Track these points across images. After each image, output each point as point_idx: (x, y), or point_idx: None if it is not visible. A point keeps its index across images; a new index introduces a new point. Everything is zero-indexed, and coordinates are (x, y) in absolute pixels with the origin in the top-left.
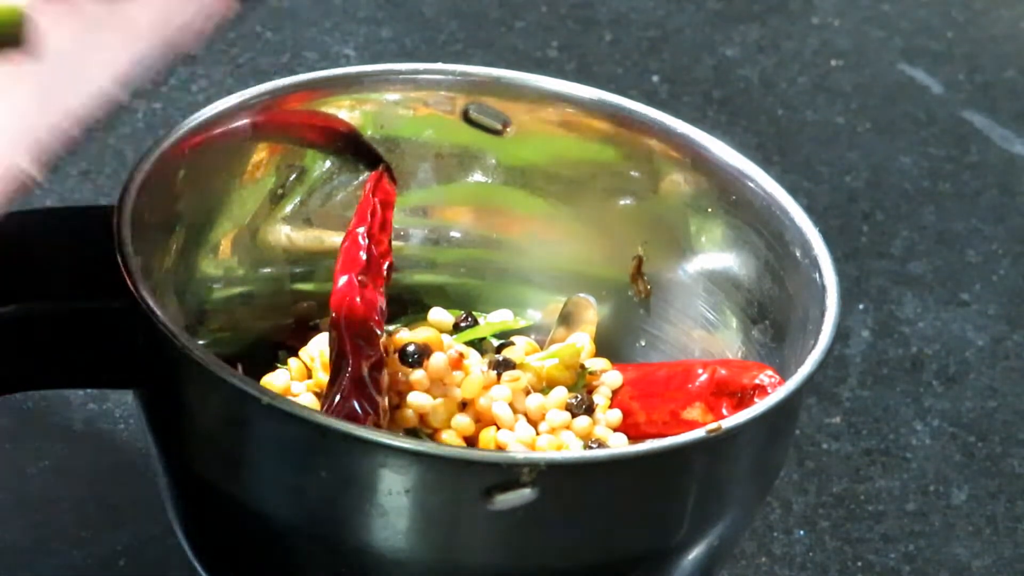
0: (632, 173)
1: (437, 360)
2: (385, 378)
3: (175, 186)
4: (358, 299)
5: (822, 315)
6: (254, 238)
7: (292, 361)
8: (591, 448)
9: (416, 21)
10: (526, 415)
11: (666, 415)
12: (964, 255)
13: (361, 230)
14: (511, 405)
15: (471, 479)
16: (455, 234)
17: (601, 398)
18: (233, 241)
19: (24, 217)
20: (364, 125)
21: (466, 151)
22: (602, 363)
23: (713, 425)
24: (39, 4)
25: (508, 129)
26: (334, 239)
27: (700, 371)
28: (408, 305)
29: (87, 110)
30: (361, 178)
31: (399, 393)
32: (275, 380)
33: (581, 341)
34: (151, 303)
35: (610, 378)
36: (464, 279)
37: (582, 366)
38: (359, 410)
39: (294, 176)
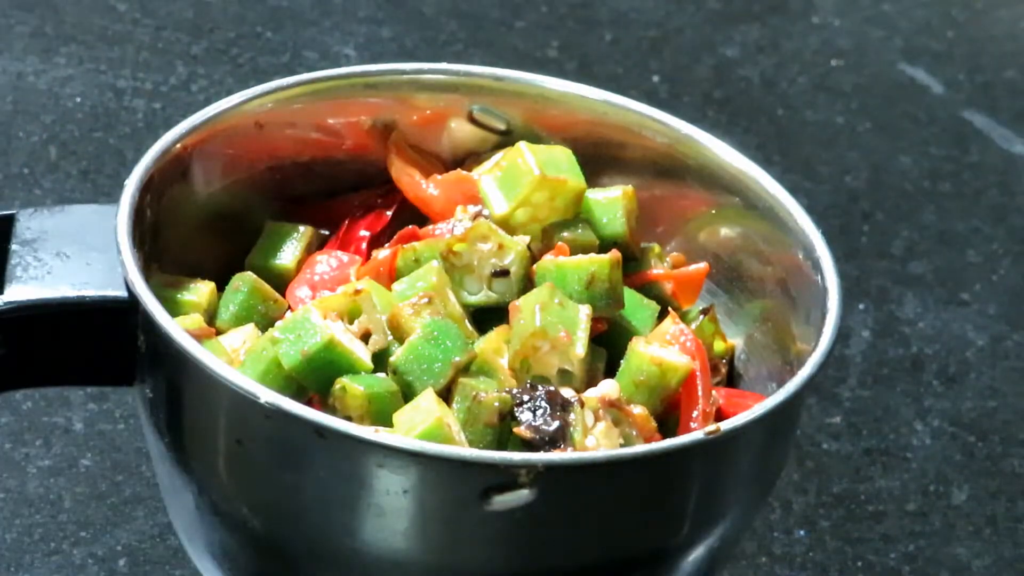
0: (632, 173)
1: None
2: None
3: (175, 186)
4: None
5: (823, 317)
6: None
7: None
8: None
9: (416, 21)
10: None
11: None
12: (964, 255)
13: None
14: None
15: (469, 480)
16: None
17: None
18: (233, 241)
19: (25, 218)
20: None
21: (470, 151)
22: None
23: (711, 427)
24: None
25: (512, 129)
26: None
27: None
28: None
29: None
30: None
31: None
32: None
33: None
34: (151, 303)
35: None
36: None
37: None
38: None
39: (296, 175)
